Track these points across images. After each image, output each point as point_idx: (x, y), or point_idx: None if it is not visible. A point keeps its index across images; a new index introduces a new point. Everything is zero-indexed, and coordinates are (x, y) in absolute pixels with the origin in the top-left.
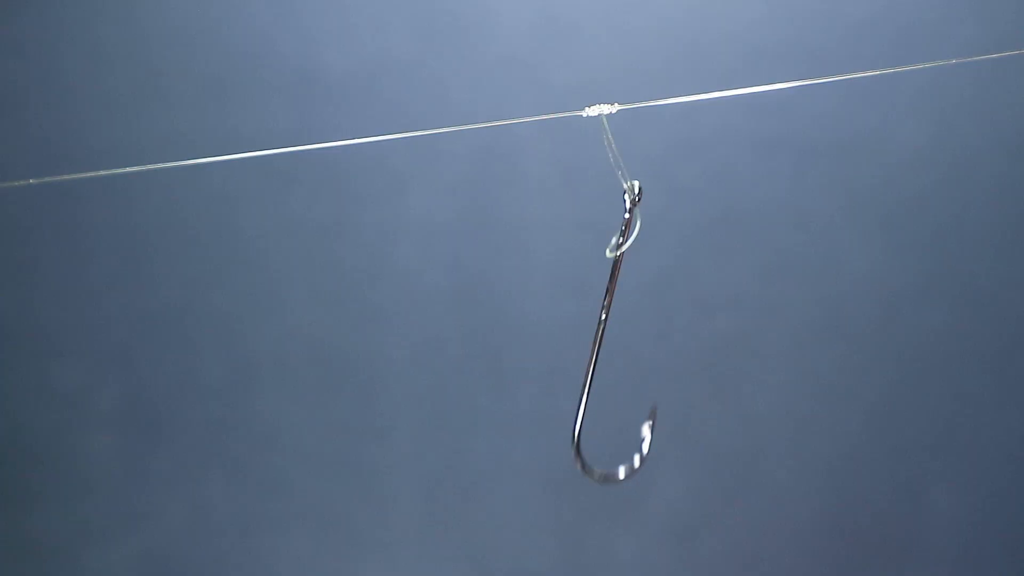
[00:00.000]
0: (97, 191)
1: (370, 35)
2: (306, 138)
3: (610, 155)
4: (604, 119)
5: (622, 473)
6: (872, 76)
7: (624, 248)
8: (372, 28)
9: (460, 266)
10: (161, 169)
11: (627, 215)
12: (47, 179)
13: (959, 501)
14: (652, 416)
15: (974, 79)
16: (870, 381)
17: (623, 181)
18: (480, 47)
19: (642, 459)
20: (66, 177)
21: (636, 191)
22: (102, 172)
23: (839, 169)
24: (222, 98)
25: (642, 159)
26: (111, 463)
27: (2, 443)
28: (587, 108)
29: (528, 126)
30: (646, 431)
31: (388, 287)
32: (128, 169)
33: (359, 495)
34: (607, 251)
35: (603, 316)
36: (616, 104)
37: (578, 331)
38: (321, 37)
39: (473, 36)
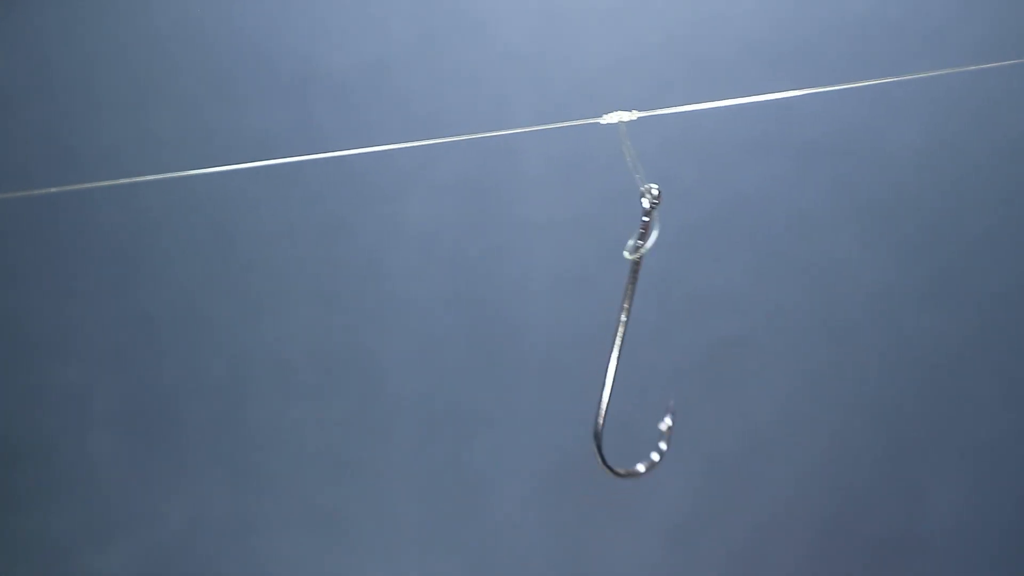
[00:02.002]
0: (98, 193)
1: (371, 35)
2: (308, 136)
3: (628, 160)
4: (623, 126)
5: (642, 468)
6: (870, 74)
7: (643, 251)
8: (372, 28)
9: (460, 267)
10: (166, 168)
11: (646, 218)
12: (68, 187)
13: (959, 501)
14: (670, 412)
15: (974, 79)
16: (870, 381)
17: (641, 184)
18: (480, 47)
19: (661, 454)
20: (87, 185)
21: (655, 195)
22: (121, 180)
23: (839, 169)
24: (223, 97)
25: (642, 159)
26: (111, 463)
27: (2, 443)
28: (605, 115)
29: (528, 126)
30: (664, 426)
31: (388, 288)
32: (138, 179)
33: (359, 495)
34: (625, 252)
35: (623, 318)
36: (635, 112)
37: (577, 331)
38: (322, 37)
39: (473, 36)
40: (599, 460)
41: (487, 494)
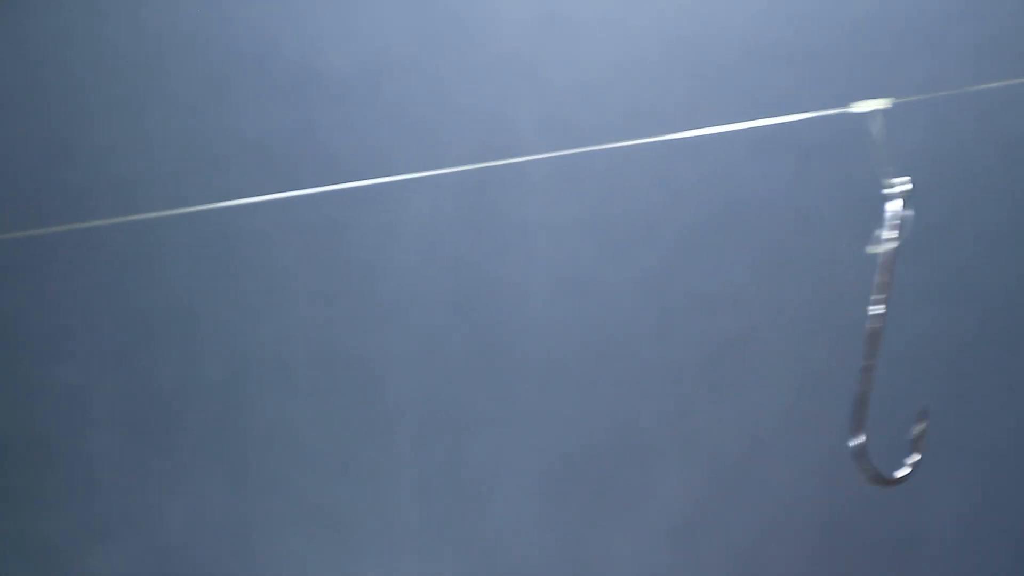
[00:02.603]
0: (100, 191)
1: (369, 38)
2: (308, 136)
3: (876, 152)
4: (875, 114)
5: (900, 473)
6: (869, 76)
7: (895, 245)
8: (372, 28)
9: (461, 267)
10: (164, 170)
11: (897, 210)
12: (122, 219)
13: (959, 501)
14: (923, 419)
15: (972, 78)
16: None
17: (890, 178)
18: (480, 47)
19: (916, 460)
20: (95, 223)
21: (906, 188)
22: (133, 217)
23: (839, 169)
24: (225, 97)
25: (642, 158)
26: (111, 463)
27: (4, 443)
28: (856, 104)
29: (527, 127)
30: (917, 432)
31: (388, 287)
32: (159, 213)
33: (359, 495)
34: (869, 248)
35: (879, 310)
36: (889, 100)
37: (577, 332)
38: (323, 37)
39: (473, 36)
40: (863, 467)
41: (487, 494)
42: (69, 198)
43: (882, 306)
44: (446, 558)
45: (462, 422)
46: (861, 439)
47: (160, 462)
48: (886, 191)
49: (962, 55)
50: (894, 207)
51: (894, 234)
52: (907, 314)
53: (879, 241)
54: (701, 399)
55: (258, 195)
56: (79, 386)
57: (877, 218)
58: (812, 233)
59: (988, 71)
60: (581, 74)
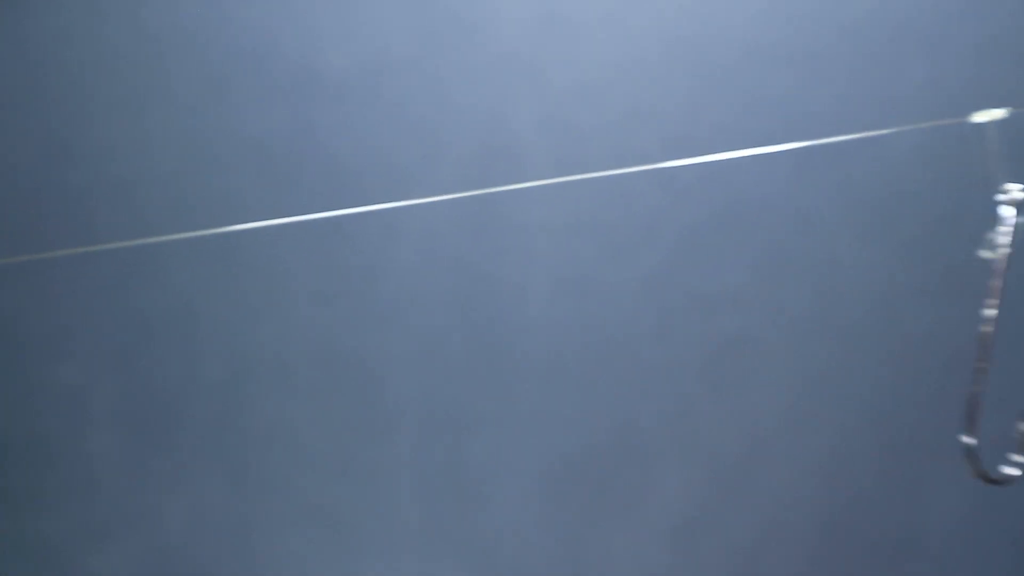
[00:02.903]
0: (100, 191)
1: (368, 38)
2: (308, 136)
3: (990, 160)
4: (993, 124)
5: (1017, 471)
6: (869, 75)
7: (1008, 251)
8: (372, 28)
9: (461, 266)
10: (164, 170)
11: (1011, 215)
12: (124, 243)
13: (959, 501)
14: None
15: (972, 77)
16: (869, 380)
17: (1006, 185)
18: (480, 47)
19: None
20: (104, 246)
21: (1021, 195)
22: (142, 241)
23: (840, 169)
24: (225, 97)
25: (643, 157)
26: (111, 463)
27: (4, 443)
28: (975, 114)
29: (527, 127)
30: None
31: (388, 288)
32: (162, 238)
33: (359, 495)
34: (982, 252)
35: (993, 314)
36: (1007, 109)
37: (578, 331)
38: (323, 37)
39: (473, 36)
40: (971, 466)
41: (487, 494)
42: (69, 198)
43: (995, 310)
44: (446, 558)
45: (462, 422)
46: (972, 440)
47: (160, 462)
48: (1000, 197)
49: (962, 55)
50: (1009, 212)
51: (1008, 240)
52: (907, 314)
53: (992, 246)
54: (701, 399)
55: (259, 195)
56: (79, 386)
57: (878, 219)
58: (812, 233)
59: (988, 72)
60: (581, 74)
